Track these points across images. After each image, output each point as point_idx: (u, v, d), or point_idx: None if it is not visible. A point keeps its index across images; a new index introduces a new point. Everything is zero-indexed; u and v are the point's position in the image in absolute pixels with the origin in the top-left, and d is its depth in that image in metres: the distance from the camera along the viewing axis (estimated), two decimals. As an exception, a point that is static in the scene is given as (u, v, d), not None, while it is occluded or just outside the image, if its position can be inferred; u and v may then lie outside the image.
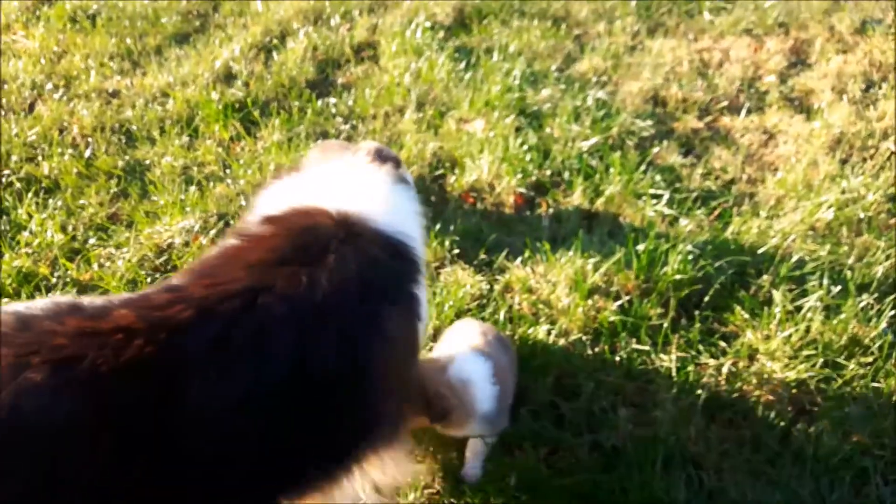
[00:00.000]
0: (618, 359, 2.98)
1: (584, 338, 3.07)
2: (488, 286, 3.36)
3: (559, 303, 3.21)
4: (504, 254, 3.53)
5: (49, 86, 4.93)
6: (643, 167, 4.01)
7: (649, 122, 4.39)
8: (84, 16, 5.76)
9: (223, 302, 1.62)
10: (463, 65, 4.99)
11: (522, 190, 3.93)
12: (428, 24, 5.48)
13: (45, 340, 1.47)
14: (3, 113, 4.68)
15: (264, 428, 1.64)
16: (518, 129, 4.35)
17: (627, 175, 3.92)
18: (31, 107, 4.78)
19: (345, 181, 2.14)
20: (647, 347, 3.02)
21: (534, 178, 4.01)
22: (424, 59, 5.03)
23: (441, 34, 5.41)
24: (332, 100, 4.72)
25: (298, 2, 5.84)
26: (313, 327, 1.69)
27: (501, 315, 3.17)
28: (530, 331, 3.10)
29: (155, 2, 5.95)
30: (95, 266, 3.50)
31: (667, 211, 3.75)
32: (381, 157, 2.29)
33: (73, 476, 1.42)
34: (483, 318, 3.16)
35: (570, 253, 3.43)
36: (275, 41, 5.39)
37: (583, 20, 5.65)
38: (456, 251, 3.56)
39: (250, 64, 5.08)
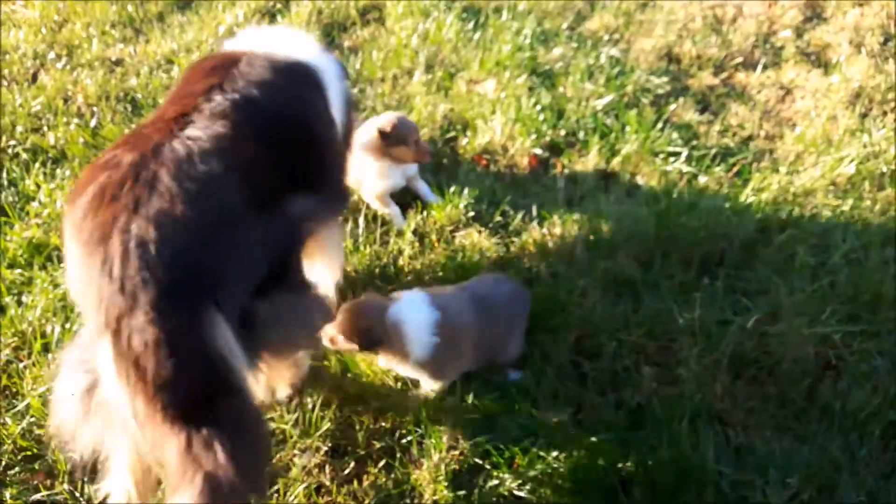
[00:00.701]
0: (639, 318, 2.94)
1: (604, 297, 3.03)
2: (505, 248, 3.31)
3: (578, 263, 3.17)
4: (520, 216, 3.48)
5: (51, 55, 4.85)
6: (659, 125, 3.93)
7: (664, 80, 4.31)
8: (83, -17, 5.65)
9: (211, 92, 2.28)
10: (471, 25, 4.89)
11: (537, 151, 3.86)
12: (434, -16, 5.37)
13: (161, 133, 2.09)
14: (5, 83, 4.61)
15: (269, 151, 2.26)
16: (530, 89, 4.26)
17: (644, 133, 3.85)
18: (34, 77, 4.70)
19: (274, 40, 2.73)
20: (669, 305, 2.98)
21: (548, 139, 3.94)
22: (432, 20, 4.93)
23: (448, -6, 5.30)
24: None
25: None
26: (265, 90, 2.38)
27: (521, 277, 3.12)
28: (549, 291, 3.05)
29: (155, -33, 5.83)
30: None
31: (685, 168, 3.68)
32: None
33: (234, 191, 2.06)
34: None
35: (588, 213, 3.38)
36: (279, 5, 5.28)
37: (592, -23, 5.52)
38: (471, 214, 3.50)
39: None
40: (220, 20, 5.03)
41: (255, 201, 2.08)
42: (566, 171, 3.78)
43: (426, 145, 3.52)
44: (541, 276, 3.14)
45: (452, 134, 4.06)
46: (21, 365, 2.81)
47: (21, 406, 2.63)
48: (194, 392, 1.80)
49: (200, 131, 2.09)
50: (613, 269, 3.13)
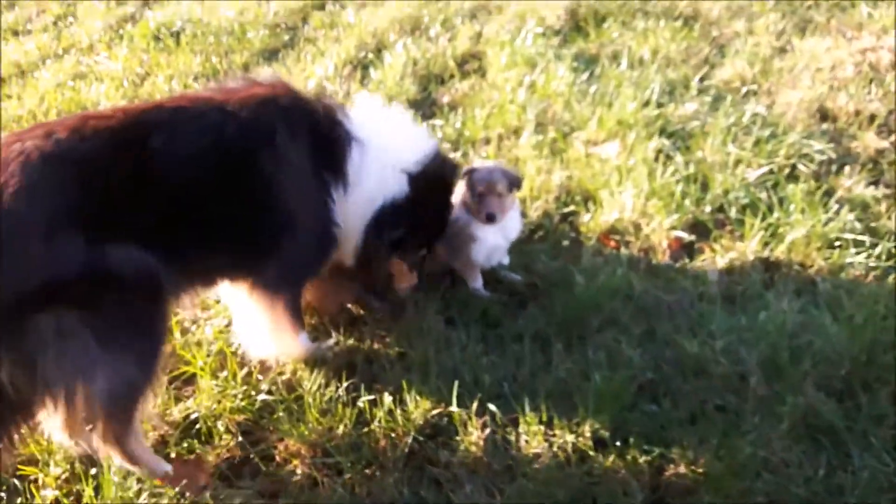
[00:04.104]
0: (851, 480, 2.13)
1: (794, 446, 2.24)
2: (653, 364, 2.55)
3: (753, 394, 2.39)
4: (666, 318, 2.73)
5: (130, 112, 4.37)
6: (830, 203, 3.12)
7: (826, 144, 3.48)
8: (168, 33, 5.21)
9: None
10: (585, 76, 4.19)
11: (681, 233, 3.11)
12: (539, 29, 4.70)
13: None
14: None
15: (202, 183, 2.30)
16: (659, 153, 3.52)
17: (813, 213, 3.05)
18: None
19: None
20: (886, 463, 2.16)
21: (690, 217, 3.18)
22: (539, 71, 4.25)
23: (555, 41, 4.62)
24: (438, 122, 3.98)
25: (393, 10, 5.15)
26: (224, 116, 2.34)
27: (680, 412, 2.36)
28: (721, 436, 2.28)
29: (241, 16, 5.35)
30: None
31: (872, 263, 2.86)
32: None
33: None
34: (655, 416, 2.37)
35: (757, 321, 2.61)
36: (370, 56, 4.70)
37: (716, 19, 4.76)
38: (605, 313, 2.76)
39: (346, 82, 4.40)
40: (309, 73, 4.47)
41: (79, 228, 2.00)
42: (718, 258, 3.00)
43: (491, 204, 2.77)
44: (705, 411, 2.37)
45: (571, 208, 3.34)
46: None
47: None
48: None
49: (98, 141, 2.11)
50: (802, 407, 2.33)
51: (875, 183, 3.32)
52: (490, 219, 2.79)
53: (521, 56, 4.41)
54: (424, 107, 4.19)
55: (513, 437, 2.33)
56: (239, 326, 2.69)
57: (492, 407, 2.40)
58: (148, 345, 2.21)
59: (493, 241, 2.91)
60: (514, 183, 2.84)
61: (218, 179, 2.31)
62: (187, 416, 2.51)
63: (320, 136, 2.51)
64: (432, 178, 2.69)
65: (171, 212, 2.23)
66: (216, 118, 2.33)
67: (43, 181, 1.98)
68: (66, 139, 2.07)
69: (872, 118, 3.70)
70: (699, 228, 3.15)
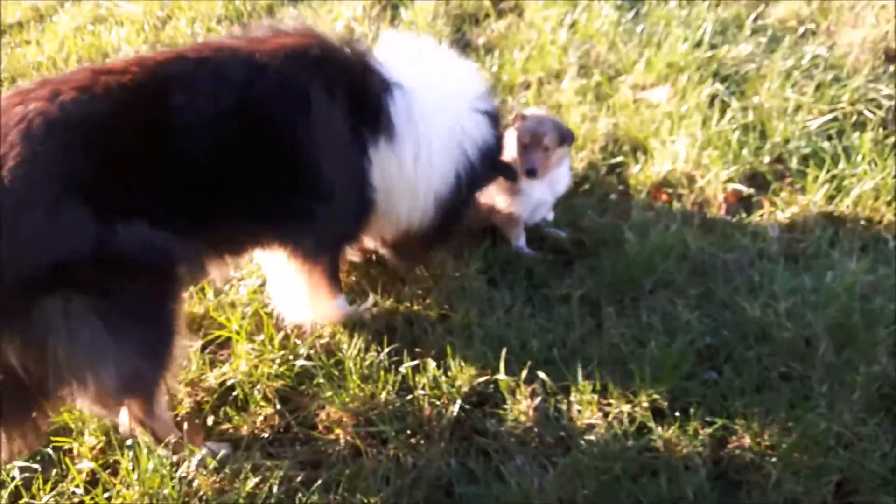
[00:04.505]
0: (929, 457, 1.99)
1: (868, 419, 2.09)
2: (712, 329, 2.40)
3: (822, 361, 2.23)
4: (724, 278, 2.56)
5: (153, 58, 4.19)
6: (900, 152, 2.90)
7: (894, 88, 3.22)
8: (189, -26, 4.97)
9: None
10: (631, 14, 3.92)
11: (738, 186, 2.90)
12: (579, -37, 4.39)
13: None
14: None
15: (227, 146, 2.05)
16: (716, 99, 3.28)
17: (881, 164, 2.82)
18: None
19: None
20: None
21: (748, 168, 2.97)
22: (581, 9, 3.98)
23: (596, -24, 4.32)
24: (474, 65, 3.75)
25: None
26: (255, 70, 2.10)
27: (743, 381, 2.21)
28: (787, 406, 2.13)
29: (264, -47, 5.08)
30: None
31: (950, 218, 2.66)
32: None
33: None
34: (715, 384, 2.23)
35: (823, 282, 2.43)
36: (400, -5, 4.45)
37: (768, -49, 4.41)
38: (658, 273, 2.60)
39: (375, 23, 4.16)
40: (336, 14, 4.23)
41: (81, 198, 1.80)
42: (780, 212, 2.81)
43: (536, 158, 2.57)
44: (770, 379, 2.22)
45: (619, 159, 3.14)
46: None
47: None
48: None
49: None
50: (876, 376, 2.17)
51: (947, 130, 3.08)
52: (531, 174, 2.60)
53: (561, -7, 4.13)
54: (458, 48, 3.93)
55: (564, 407, 2.20)
56: (273, 290, 2.56)
57: (541, 374, 2.26)
58: (160, 328, 2.04)
59: (538, 196, 2.74)
60: (566, 137, 2.64)
61: (245, 143, 2.08)
62: (223, 383, 2.40)
63: (357, 91, 2.27)
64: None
65: (191, 179, 2.01)
66: (243, 74, 2.08)
67: (47, 152, 1.78)
68: (72, 101, 1.84)
69: (944, 59, 3.42)
70: (758, 181, 2.95)
